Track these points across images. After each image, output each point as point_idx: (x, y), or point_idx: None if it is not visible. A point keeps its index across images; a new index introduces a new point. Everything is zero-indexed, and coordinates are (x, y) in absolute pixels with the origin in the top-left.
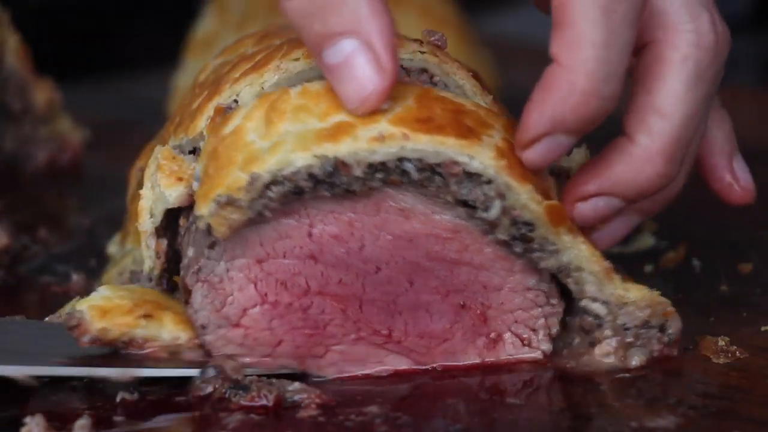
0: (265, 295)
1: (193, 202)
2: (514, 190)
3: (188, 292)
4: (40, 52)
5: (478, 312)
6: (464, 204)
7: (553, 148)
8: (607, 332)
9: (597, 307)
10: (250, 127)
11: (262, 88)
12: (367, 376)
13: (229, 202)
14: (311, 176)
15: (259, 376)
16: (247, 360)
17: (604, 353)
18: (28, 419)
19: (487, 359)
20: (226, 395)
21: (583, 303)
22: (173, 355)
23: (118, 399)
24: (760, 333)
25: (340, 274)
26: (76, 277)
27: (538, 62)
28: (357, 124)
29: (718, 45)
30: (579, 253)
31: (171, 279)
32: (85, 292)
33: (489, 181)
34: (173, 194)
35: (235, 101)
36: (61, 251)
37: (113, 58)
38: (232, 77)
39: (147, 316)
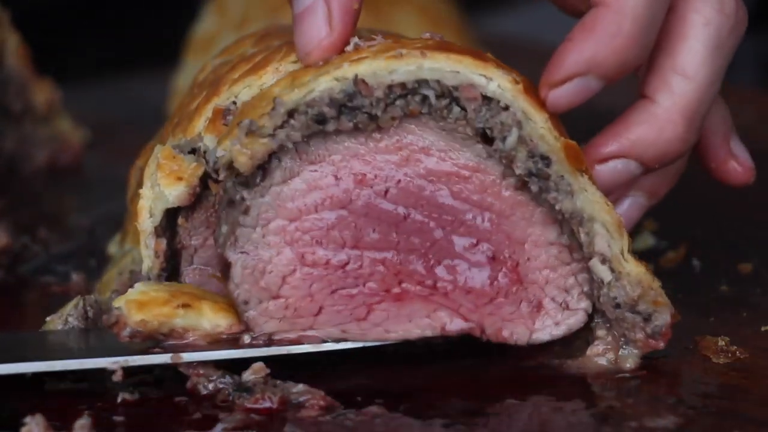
0: (303, 256)
1: (193, 201)
2: (531, 117)
3: (228, 266)
4: (40, 52)
5: (510, 266)
6: (482, 135)
7: (581, 90)
8: (601, 332)
9: (603, 271)
10: (276, 89)
11: (261, 89)
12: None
13: (253, 129)
14: (333, 101)
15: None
16: (291, 336)
17: (597, 354)
18: (28, 419)
19: (534, 334)
20: (230, 397)
21: (591, 263)
22: (214, 344)
23: (118, 399)
24: (760, 333)
25: (372, 224)
26: (76, 277)
27: (538, 62)
28: (377, 53)
29: (738, 15)
30: (593, 198)
31: (169, 279)
32: (85, 291)
33: (506, 108)
34: (173, 193)
35: (234, 103)
36: (61, 251)
37: (113, 58)
38: (231, 78)
39: (185, 306)
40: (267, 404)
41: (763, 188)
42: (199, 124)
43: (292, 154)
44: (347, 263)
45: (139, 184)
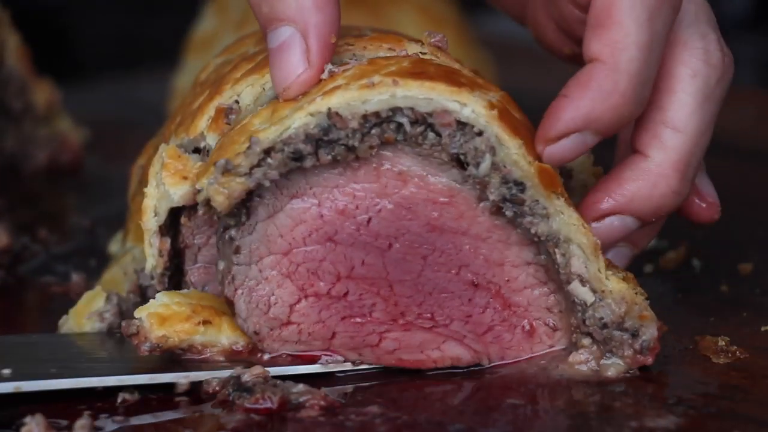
0: (303, 287)
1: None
2: (504, 143)
3: (231, 304)
4: (40, 52)
5: (493, 291)
6: (457, 161)
7: (577, 145)
8: (586, 341)
9: (584, 293)
10: (256, 121)
11: (263, 89)
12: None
13: (229, 168)
14: (308, 137)
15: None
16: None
17: (579, 362)
18: (28, 419)
19: (534, 354)
20: (231, 397)
21: (572, 287)
22: (231, 360)
23: (118, 399)
24: (760, 333)
25: (360, 255)
26: (76, 277)
27: (538, 62)
28: (350, 82)
29: (724, 64)
30: (569, 221)
31: (172, 278)
32: (85, 292)
33: (480, 133)
34: (178, 193)
35: (236, 102)
36: (61, 251)
37: (113, 58)
38: (233, 77)
39: (206, 322)
40: (267, 404)
41: (763, 188)
42: (202, 122)
43: (273, 190)
44: (347, 293)
45: (141, 183)
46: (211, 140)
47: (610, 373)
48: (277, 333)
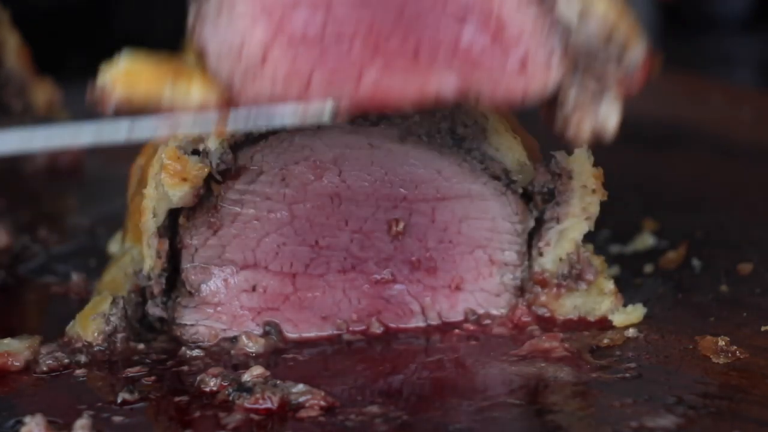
0: (277, 26)
1: (196, 201)
2: None
3: (202, 50)
4: (40, 52)
5: (484, 18)
6: None
7: None
8: (571, 95)
9: (569, 12)
10: None
11: None
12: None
13: None
14: None
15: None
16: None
17: (574, 126)
18: (28, 419)
19: (527, 94)
20: (230, 397)
21: (558, 5)
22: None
23: (118, 399)
24: (760, 333)
25: None
26: (76, 277)
27: None
28: None
29: None
30: None
31: (170, 278)
32: (85, 292)
33: None
34: (177, 194)
35: None
36: (61, 251)
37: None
38: None
39: (175, 77)
40: (267, 404)
41: (764, 188)
42: None
43: None
44: (324, 34)
45: (140, 183)
46: (210, 143)
47: (611, 122)
48: (251, 79)
